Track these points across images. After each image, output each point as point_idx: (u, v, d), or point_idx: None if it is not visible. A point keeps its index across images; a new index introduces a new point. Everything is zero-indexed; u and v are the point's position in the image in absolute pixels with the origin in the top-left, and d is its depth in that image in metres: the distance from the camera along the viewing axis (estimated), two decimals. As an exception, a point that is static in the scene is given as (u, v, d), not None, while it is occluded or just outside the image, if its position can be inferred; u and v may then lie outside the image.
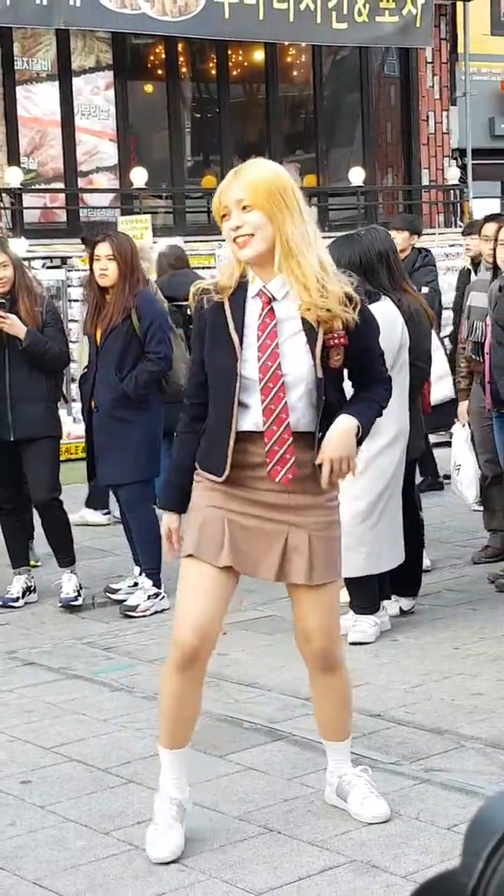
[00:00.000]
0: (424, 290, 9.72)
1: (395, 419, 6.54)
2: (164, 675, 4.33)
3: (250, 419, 4.14)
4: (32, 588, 7.78)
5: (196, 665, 4.24)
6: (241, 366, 4.12)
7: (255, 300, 4.17)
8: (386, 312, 6.47)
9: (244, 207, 4.05)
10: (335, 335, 4.12)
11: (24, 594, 7.72)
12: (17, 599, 7.68)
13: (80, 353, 9.78)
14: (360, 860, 4.17)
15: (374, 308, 6.41)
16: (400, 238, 9.86)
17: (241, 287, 4.18)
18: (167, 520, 4.41)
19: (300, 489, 4.21)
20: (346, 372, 4.30)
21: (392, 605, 7.00)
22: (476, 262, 10.82)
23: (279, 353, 4.11)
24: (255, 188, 4.05)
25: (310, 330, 4.12)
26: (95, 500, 9.67)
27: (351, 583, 6.73)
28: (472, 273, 10.79)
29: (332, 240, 6.96)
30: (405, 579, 7.01)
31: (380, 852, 4.22)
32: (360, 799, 4.46)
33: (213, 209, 4.16)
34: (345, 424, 4.19)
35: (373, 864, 4.14)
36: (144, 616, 7.31)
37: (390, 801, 4.59)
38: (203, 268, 12.13)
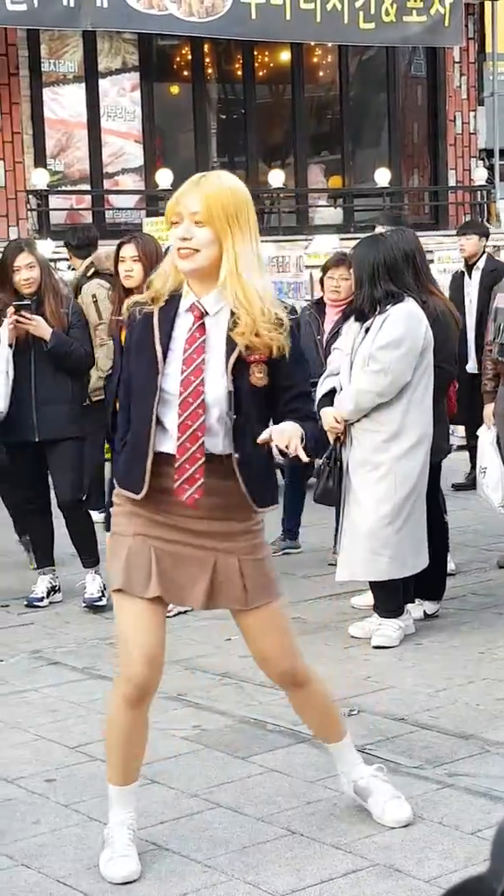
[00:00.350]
0: None
1: (419, 422, 6.53)
2: (113, 714, 4.21)
3: (170, 440, 4.02)
4: (57, 588, 7.80)
5: (146, 699, 4.15)
6: (162, 379, 4.01)
7: (186, 314, 4.05)
8: (410, 313, 6.47)
9: (197, 221, 3.96)
10: (256, 353, 4.00)
11: (48, 594, 7.74)
12: (41, 599, 7.70)
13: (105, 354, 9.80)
14: (384, 864, 4.17)
15: (398, 309, 6.45)
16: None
17: (173, 299, 4.06)
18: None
19: (221, 516, 4.09)
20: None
21: (416, 609, 6.99)
22: (469, 264, 10.70)
23: (203, 370, 3.99)
24: (212, 206, 3.94)
25: (232, 349, 4.00)
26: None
27: (375, 587, 6.72)
28: (466, 275, 10.70)
29: (358, 241, 6.96)
30: (430, 583, 6.99)
31: (403, 856, 4.22)
32: (381, 805, 4.44)
33: (167, 211, 4.05)
34: (289, 424, 4.01)
35: (396, 868, 4.14)
36: (168, 617, 7.29)
37: (414, 805, 4.58)
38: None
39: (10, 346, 7.38)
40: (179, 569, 4.12)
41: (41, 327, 7.31)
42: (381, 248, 6.58)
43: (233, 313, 4.00)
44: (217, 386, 4.00)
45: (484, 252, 10.73)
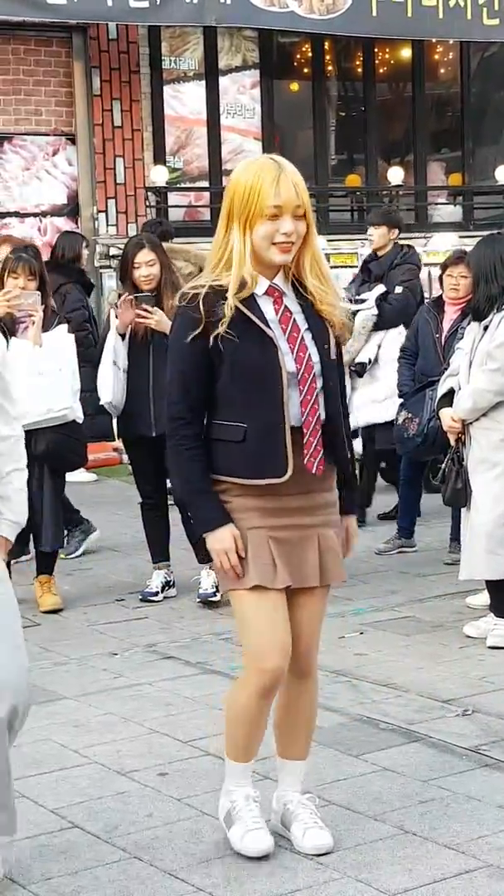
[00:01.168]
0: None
1: None
2: (243, 701, 4.22)
3: (290, 417, 4.09)
4: (172, 583, 7.84)
5: (278, 688, 4.21)
6: (284, 359, 4.05)
7: (265, 297, 4.09)
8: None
9: (297, 215, 4.01)
10: (334, 326, 4.17)
11: (163, 589, 7.78)
12: (156, 594, 7.74)
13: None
14: (497, 865, 4.13)
15: None
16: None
17: (243, 287, 4.06)
18: (222, 538, 4.14)
19: (319, 487, 4.18)
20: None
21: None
22: None
23: (307, 346, 4.10)
24: (305, 196, 4.02)
25: (317, 322, 4.13)
26: None
27: (491, 586, 6.66)
28: None
29: (479, 239, 6.89)
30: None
31: (517, 858, 4.18)
32: (303, 830, 4.30)
33: (260, 204, 3.98)
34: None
35: (509, 870, 4.10)
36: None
37: (528, 806, 4.55)
38: (345, 266, 12.11)
39: (123, 335, 7.43)
40: (296, 552, 4.15)
41: (162, 322, 7.35)
42: (499, 247, 6.55)
43: (300, 291, 4.11)
44: (317, 359, 4.11)
45: None
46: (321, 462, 4.10)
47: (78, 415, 7.59)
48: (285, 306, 4.11)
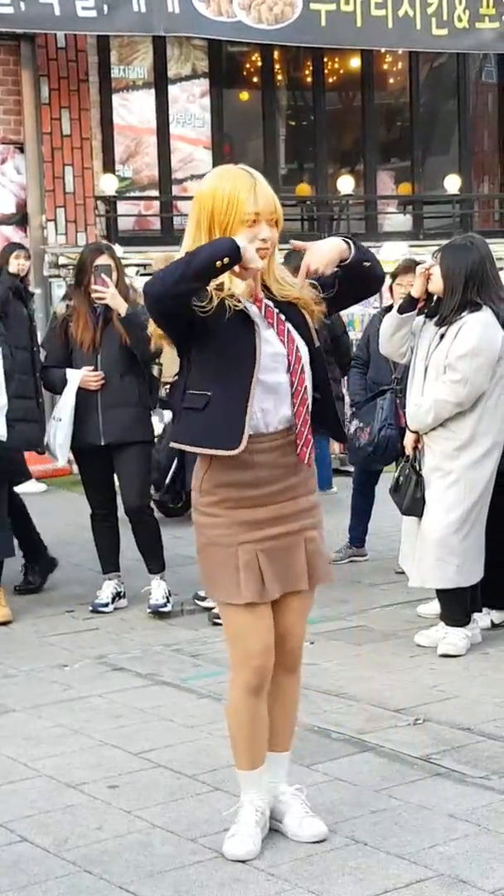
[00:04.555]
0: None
1: (491, 431, 6.49)
2: (237, 706, 4.34)
3: (275, 414, 4.19)
4: (122, 594, 7.81)
5: (266, 685, 4.32)
6: (259, 343, 4.16)
7: (246, 298, 4.21)
8: (486, 322, 6.44)
9: (271, 222, 4.16)
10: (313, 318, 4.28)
11: (113, 600, 7.75)
12: (106, 605, 7.71)
13: (170, 360, 9.81)
14: (448, 874, 4.13)
15: (475, 318, 6.42)
16: None
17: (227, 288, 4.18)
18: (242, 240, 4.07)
19: (304, 491, 4.30)
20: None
21: (483, 618, 6.93)
22: None
23: (294, 337, 4.21)
24: (278, 205, 4.19)
25: (296, 315, 4.24)
26: None
27: (442, 595, 6.68)
28: None
29: (447, 246, 6.85)
30: (498, 592, 6.93)
31: (468, 867, 4.17)
32: (299, 819, 4.42)
33: (241, 208, 4.10)
34: (334, 240, 4.26)
35: (460, 879, 4.09)
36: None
37: (479, 815, 4.55)
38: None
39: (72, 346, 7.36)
40: (284, 558, 4.26)
41: (117, 298, 7.33)
42: (469, 257, 6.51)
43: (271, 292, 4.23)
44: (305, 349, 4.23)
45: None
46: (312, 450, 4.24)
47: (1, 433, 7.40)
48: (266, 305, 4.22)
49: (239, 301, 4.14)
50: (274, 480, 4.21)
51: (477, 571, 6.55)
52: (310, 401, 4.24)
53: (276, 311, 4.23)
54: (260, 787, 4.42)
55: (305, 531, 4.30)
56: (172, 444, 4.39)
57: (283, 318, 4.23)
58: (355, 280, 4.29)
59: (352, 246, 4.22)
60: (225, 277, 4.11)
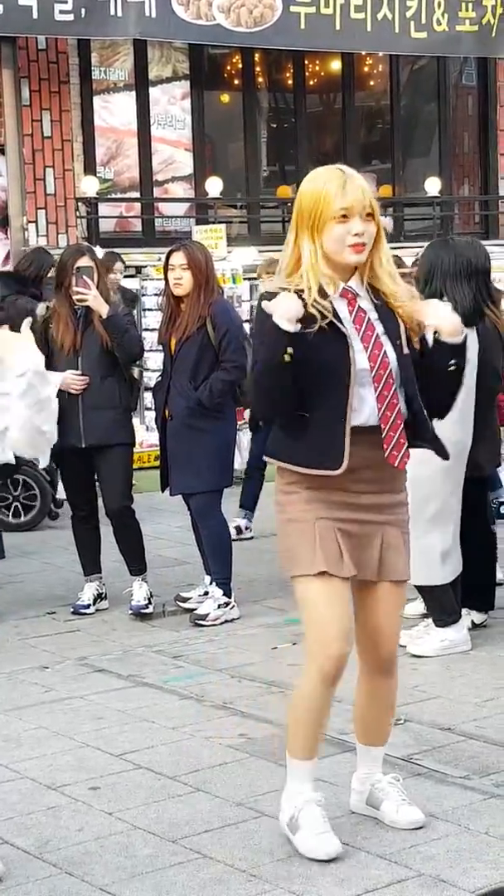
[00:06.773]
0: None
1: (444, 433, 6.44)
2: (307, 691, 4.34)
3: (361, 415, 4.17)
4: (103, 595, 7.80)
5: (342, 674, 4.30)
6: (356, 356, 4.16)
7: (339, 299, 4.21)
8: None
9: (367, 216, 4.15)
10: (407, 323, 4.28)
11: (95, 601, 7.74)
12: (88, 606, 7.70)
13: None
14: (429, 874, 4.14)
15: None
16: None
17: (318, 289, 4.19)
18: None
19: (390, 488, 4.31)
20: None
21: (464, 619, 6.93)
22: None
23: (382, 343, 4.20)
24: (374, 201, 4.18)
25: (391, 320, 4.25)
26: None
27: (425, 594, 6.67)
28: None
29: (428, 246, 6.84)
30: (478, 593, 6.94)
31: (448, 867, 4.18)
32: (395, 806, 4.49)
33: (329, 205, 4.12)
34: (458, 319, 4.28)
35: (441, 879, 4.10)
36: (214, 625, 7.30)
37: (460, 815, 4.56)
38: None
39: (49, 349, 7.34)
40: (357, 545, 4.28)
41: (99, 300, 7.33)
42: (441, 253, 6.52)
43: (374, 291, 4.24)
44: (394, 356, 4.22)
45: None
46: (406, 455, 4.22)
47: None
48: (359, 307, 4.22)
49: (327, 311, 4.14)
50: (356, 468, 4.19)
51: (446, 571, 6.51)
52: (400, 405, 4.21)
53: (367, 312, 4.21)
54: (312, 779, 4.43)
55: (384, 525, 4.30)
56: (267, 459, 4.41)
57: (373, 322, 4.21)
58: (429, 368, 4.29)
59: (464, 346, 4.28)
60: (311, 282, 4.15)
